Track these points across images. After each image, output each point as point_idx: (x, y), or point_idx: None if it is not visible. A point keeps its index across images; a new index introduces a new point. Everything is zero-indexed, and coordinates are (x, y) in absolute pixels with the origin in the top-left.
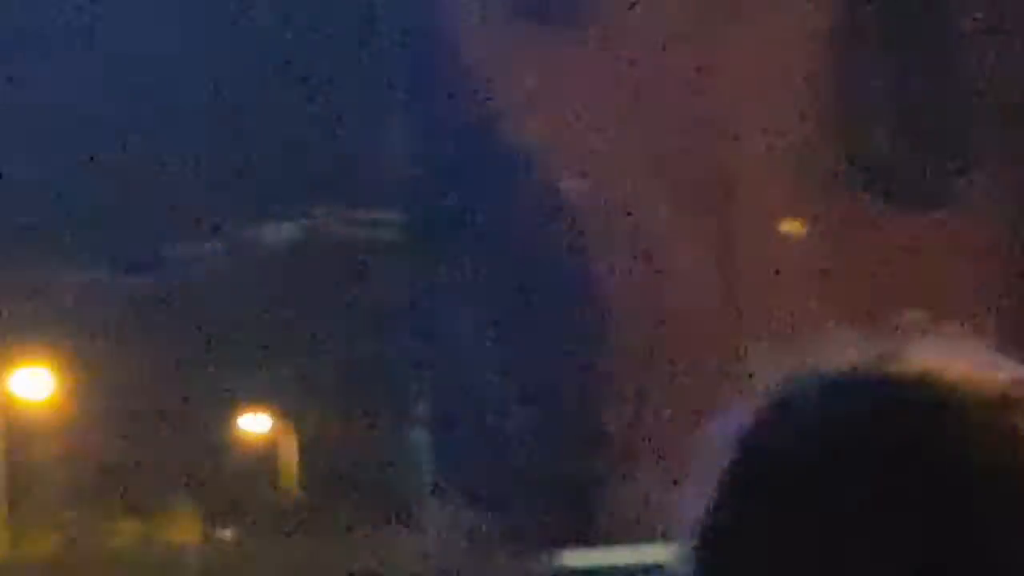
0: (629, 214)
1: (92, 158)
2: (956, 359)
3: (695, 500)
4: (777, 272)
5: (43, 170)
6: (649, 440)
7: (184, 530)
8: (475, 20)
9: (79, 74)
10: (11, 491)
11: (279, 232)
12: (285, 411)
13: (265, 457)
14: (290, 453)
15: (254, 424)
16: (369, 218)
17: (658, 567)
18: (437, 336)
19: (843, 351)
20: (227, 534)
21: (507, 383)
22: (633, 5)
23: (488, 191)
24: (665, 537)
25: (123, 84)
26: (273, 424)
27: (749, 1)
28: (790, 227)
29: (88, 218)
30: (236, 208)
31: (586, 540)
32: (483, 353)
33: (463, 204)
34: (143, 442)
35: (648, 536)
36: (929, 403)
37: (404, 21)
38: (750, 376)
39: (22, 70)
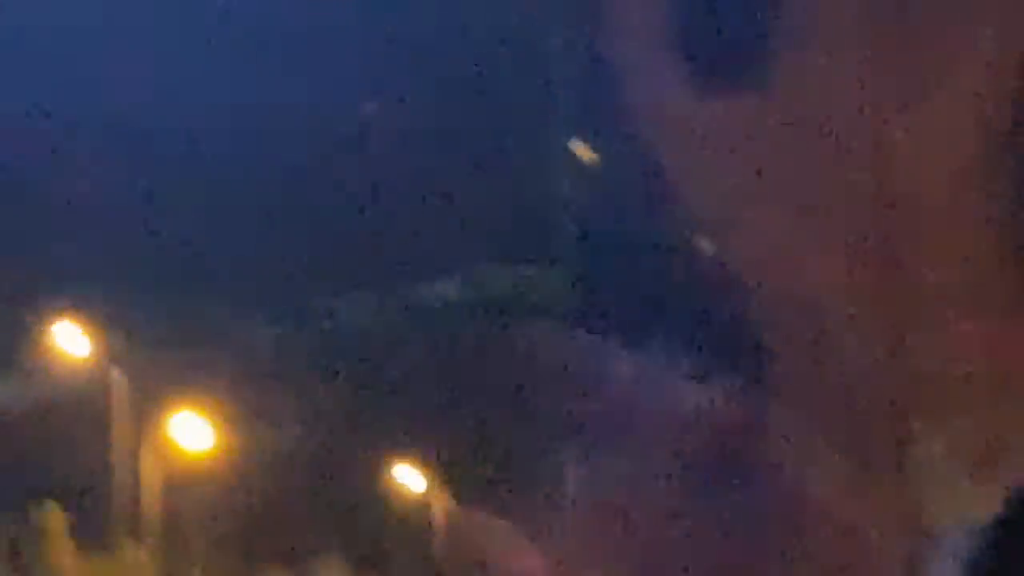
0: (800, 295)
1: (262, 209)
2: None
3: None
4: (956, 366)
5: (208, 219)
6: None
7: None
8: (651, 88)
9: (246, 125)
10: (165, 538)
11: (440, 288)
12: (440, 466)
13: (418, 511)
14: (442, 508)
15: (408, 477)
16: (531, 275)
17: None
18: (597, 399)
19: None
20: None
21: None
22: (812, 75)
23: (656, 258)
24: None
25: (296, 140)
26: (427, 478)
27: (930, 72)
28: (969, 319)
29: (255, 269)
30: (400, 264)
31: None
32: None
33: (630, 269)
34: (298, 492)
35: None
36: None
37: (576, 75)
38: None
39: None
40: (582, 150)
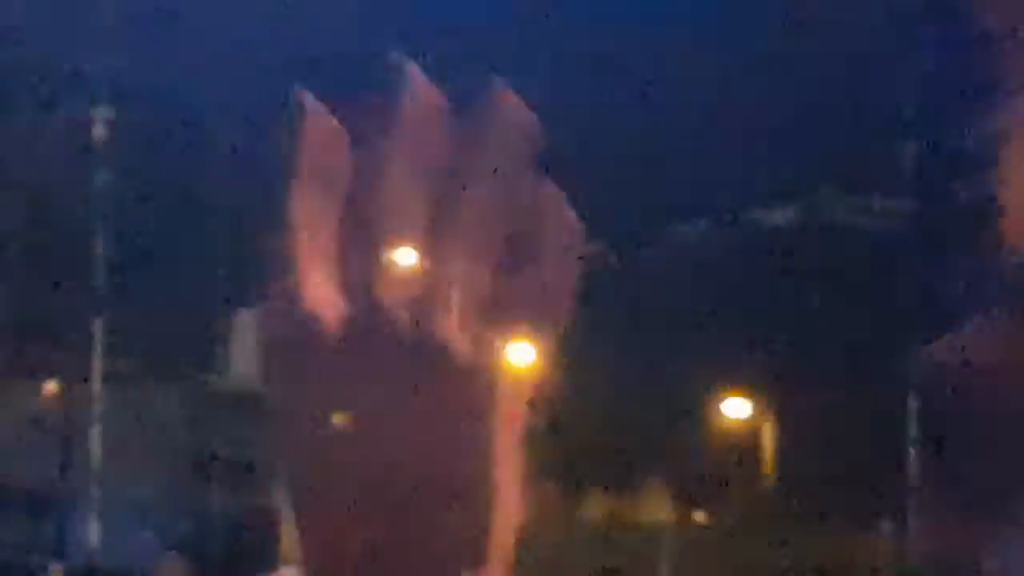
0: None
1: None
2: None
3: None
4: None
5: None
6: None
7: (656, 510)
8: None
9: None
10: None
11: (779, 214)
12: (769, 398)
13: (744, 443)
14: (769, 440)
15: (735, 408)
16: (876, 206)
17: None
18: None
19: None
20: (699, 517)
21: None
22: None
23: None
24: None
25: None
26: (755, 409)
27: None
28: None
29: (592, 196)
30: (737, 188)
31: None
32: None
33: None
34: (620, 420)
35: None
36: None
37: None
38: None
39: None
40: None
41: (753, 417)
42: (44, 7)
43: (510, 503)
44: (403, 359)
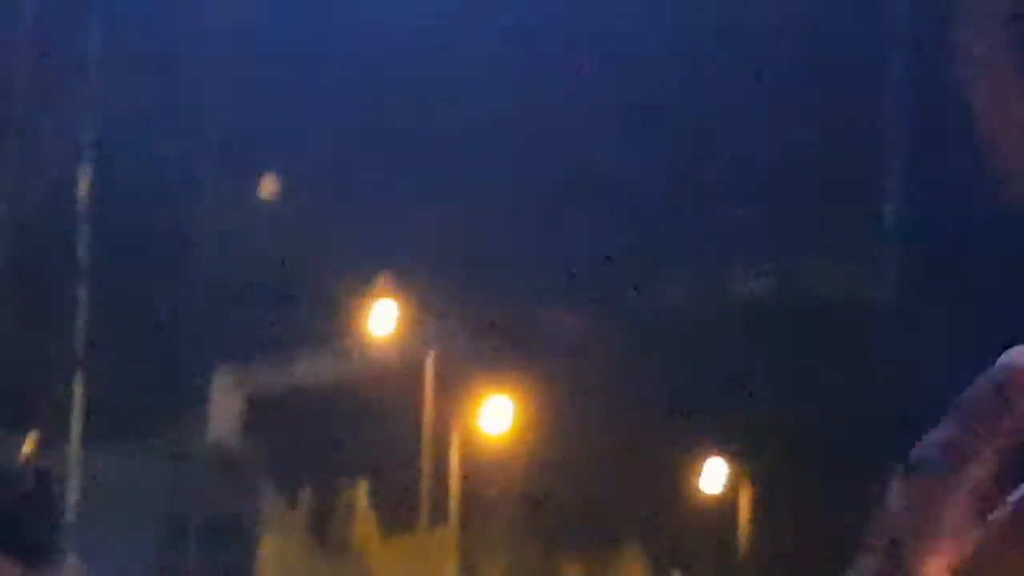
0: None
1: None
2: None
3: None
4: None
5: (521, 205)
6: None
7: (630, 573)
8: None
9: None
10: (461, 522)
11: (753, 280)
12: (745, 462)
13: (720, 506)
14: (746, 504)
15: (712, 472)
16: (851, 271)
17: None
18: (923, 395)
19: None
20: None
21: None
22: None
23: (987, 253)
24: None
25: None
26: (731, 473)
27: None
28: None
29: (565, 255)
30: (712, 252)
31: None
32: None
33: (959, 265)
34: (597, 482)
35: None
36: None
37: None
38: None
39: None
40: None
41: (730, 484)
42: None
43: None
44: None
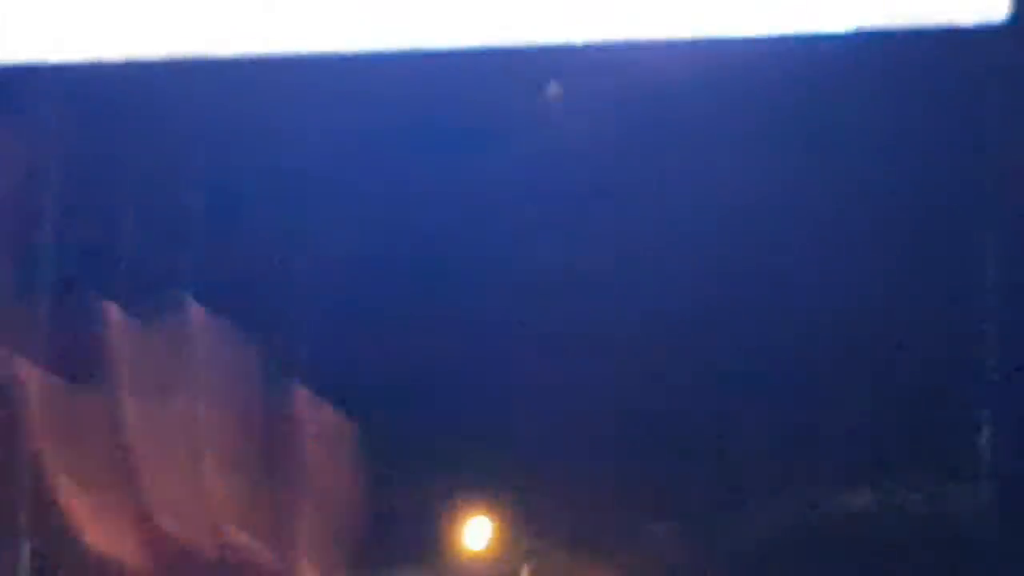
0: None
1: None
2: None
3: None
4: None
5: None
6: None
7: None
8: None
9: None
10: None
11: (847, 499)
12: None
13: None
14: None
15: None
16: (951, 490)
17: None
18: None
19: None
20: None
21: None
22: None
23: None
24: None
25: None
26: None
27: None
28: None
29: (657, 475)
30: (802, 470)
31: None
32: None
33: None
34: None
35: None
36: None
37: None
38: None
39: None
40: None
41: None
42: None
43: None
44: None
